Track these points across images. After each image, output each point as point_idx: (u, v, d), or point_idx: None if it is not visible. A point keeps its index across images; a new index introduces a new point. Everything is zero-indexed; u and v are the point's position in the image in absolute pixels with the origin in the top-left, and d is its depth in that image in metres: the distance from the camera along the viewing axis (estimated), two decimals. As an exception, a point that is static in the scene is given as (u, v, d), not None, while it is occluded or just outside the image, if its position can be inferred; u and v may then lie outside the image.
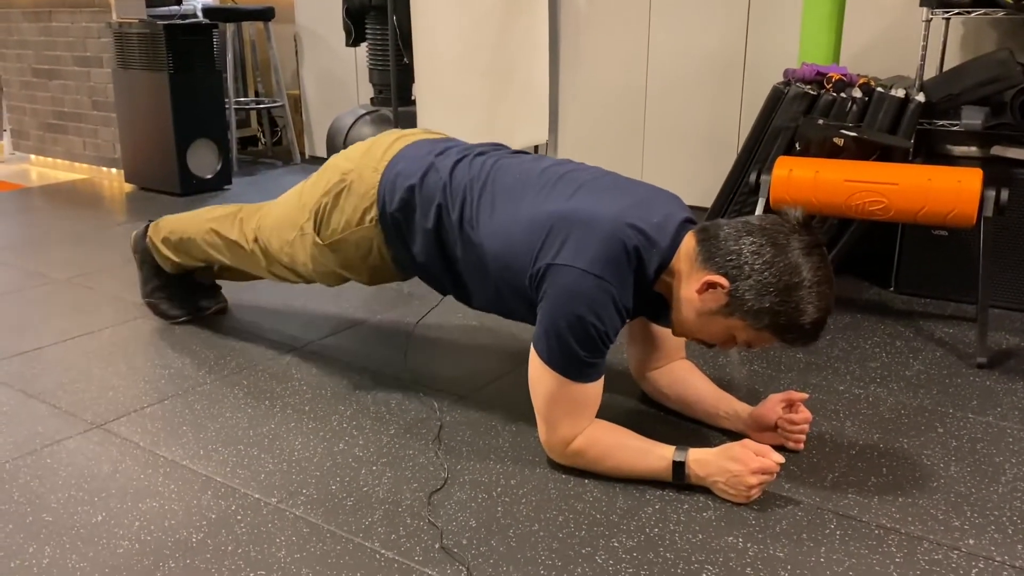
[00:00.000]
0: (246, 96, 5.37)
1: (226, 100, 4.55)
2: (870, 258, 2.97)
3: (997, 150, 2.70)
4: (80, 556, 1.45)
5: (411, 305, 2.67)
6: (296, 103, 5.09)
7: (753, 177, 2.41)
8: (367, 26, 3.83)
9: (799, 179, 2.30)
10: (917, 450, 1.80)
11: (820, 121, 2.63)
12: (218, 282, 2.56)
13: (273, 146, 5.49)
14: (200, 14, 4.56)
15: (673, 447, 1.64)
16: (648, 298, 1.69)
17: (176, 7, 4.43)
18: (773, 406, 1.77)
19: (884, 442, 1.83)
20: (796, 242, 1.54)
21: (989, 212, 2.18)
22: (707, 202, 3.21)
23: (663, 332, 1.92)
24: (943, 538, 1.50)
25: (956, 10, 2.62)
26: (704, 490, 1.63)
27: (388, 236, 1.91)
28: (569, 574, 1.40)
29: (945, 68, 2.94)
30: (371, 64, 3.83)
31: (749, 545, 1.48)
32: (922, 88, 2.68)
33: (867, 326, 2.51)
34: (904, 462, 1.75)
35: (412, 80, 3.59)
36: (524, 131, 3.84)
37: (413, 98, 3.63)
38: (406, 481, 1.68)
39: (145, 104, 4.14)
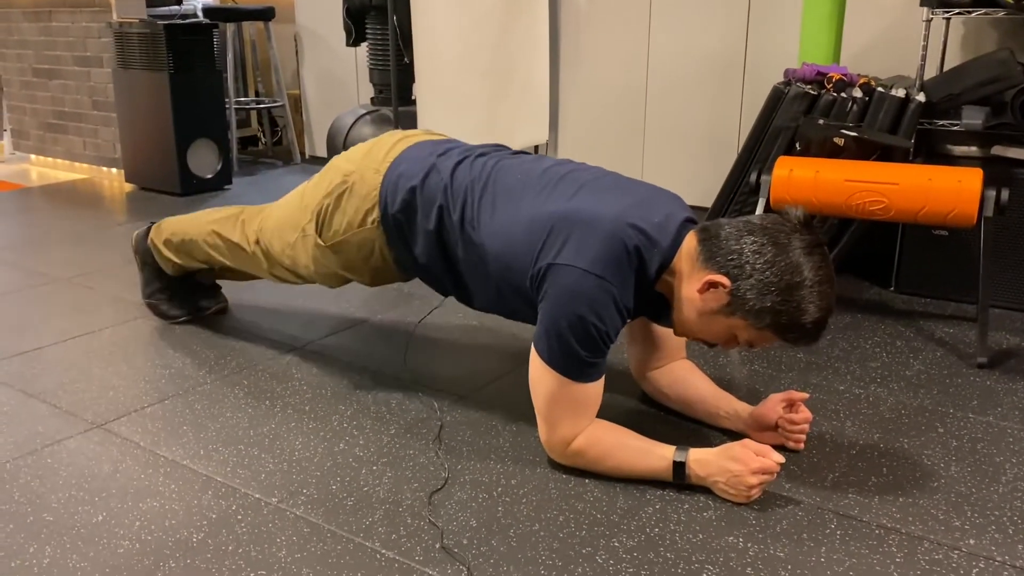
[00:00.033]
0: (246, 96, 5.37)
1: (226, 100, 4.55)
2: (870, 258, 2.97)
3: (997, 150, 2.70)
4: (81, 556, 1.45)
5: (411, 305, 2.67)
6: (296, 103, 5.09)
7: (753, 177, 2.41)
8: (367, 26, 3.83)
9: (799, 179, 2.30)
10: (917, 450, 1.80)
11: (820, 121, 2.63)
12: (218, 282, 2.56)
13: (273, 146, 5.49)
14: (200, 14, 4.56)
15: (673, 447, 1.64)
16: (649, 298, 1.69)
17: (176, 7, 4.43)
18: (773, 406, 1.78)
19: (884, 442, 1.83)
20: (797, 241, 1.54)
21: (989, 212, 2.18)
22: (707, 202, 3.21)
23: (664, 332, 1.92)
24: (944, 538, 1.50)
25: (956, 10, 2.62)
26: (705, 490, 1.63)
27: (390, 237, 1.91)
28: (570, 574, 1.40)
29: (945, 68, 2.94)
30: (371, 64, 3.83)
31: (749, 545, 1.48)
32: (922, 88, 2.68)
33: (867, 326, 2.51)
34: (904, 462, 1.75)
35: (412, 80, 3.59)
36: (524, 131, 3.84)
37: (413, 98, 3.63)
38: (407, 481, 1.68)
39: (145, 104, 4.14)
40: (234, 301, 2.65)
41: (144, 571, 1.41)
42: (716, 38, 3.56)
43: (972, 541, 1.49)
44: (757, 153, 2.83)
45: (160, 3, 4.32)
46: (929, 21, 2.67)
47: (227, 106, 4.60)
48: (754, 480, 1.56)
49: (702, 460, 1.61)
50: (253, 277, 2.38)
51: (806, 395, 1.76)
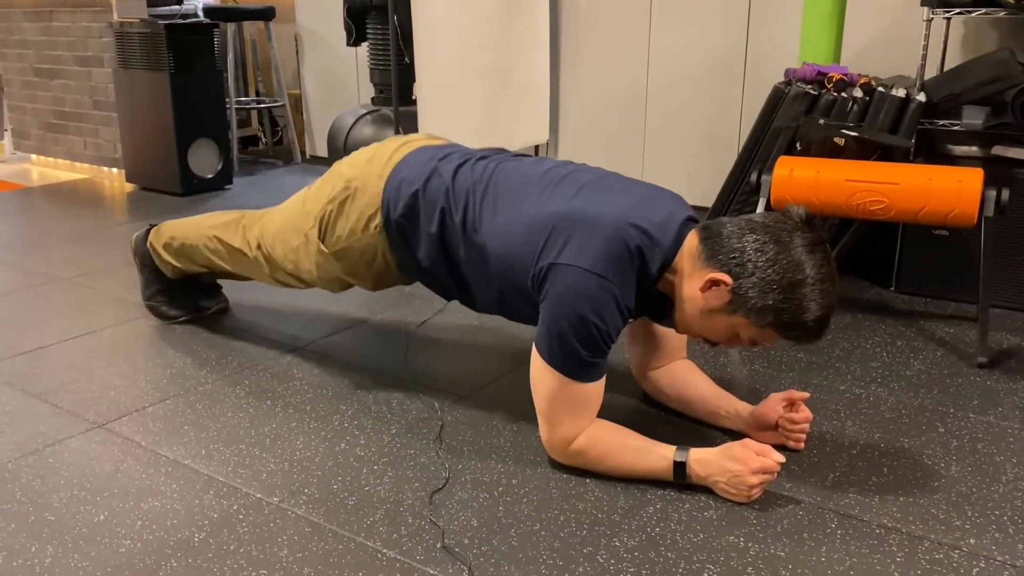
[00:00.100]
0: (247, 96, 5.37)
1: (227, 100, 4.55)
2: (871, 258, 2.97)
3: (998, 150, 2.70)
4: (82, 555, 1.45)
5: (412, 305, 2.67)
6: (297, 103, 5.09)
7: (754, 177, 2.41)
8: (368, 26, 3.83)
9: (800, 179, 2.30)
10: (918, 450, 1.80)
11: (821, 121, 2.63)
12: (219, 281, 2.56)
13: (274, 146, 5.49)
14: (201, 14, 4.56)
15: (674, 447, 1.64)
16: (651, 297, 1.69)
17: (177, 7, 4.43)
18: (774, 405, 1.78)
19: (885, 442, 1.83)
20: (799, 239, 1.54)
21: (990, 212, 2.18)
22: (708, 202, 3.21)
23: (664, 332, 1.92)
24: (944, 537, 1.50)
25: (957, 10, 2.62)
26: (705, 490, 1.63)
27: (393, 242, 1.91)
28: (571, 573, 1.40)
29: (946, 68, 2.94)
30: (372, 64, 3.83)
31: (750, 544, 1.48)
32: (923, 88, 2.68)
33: (868, 326, 2.51)
34: (905, 462, 1.75)
35: (413, 80, 3.59)
36: (525, 131, 3.84)
37: (414, 98, 3.63)
38: (407, 481, 1.68)
39: (146, 104, 4.14)
40: (235, 301, 2.66)
41: (146, 570, 1.41)
42: (717, 38, 3.56)
43: (972, 541, 1.49)
44: (757, 153, 2.83)
45: (161, 3, 4.32)
46: (930, 21, 2.67)
47: (228, 106, 4.60)
48: (755, 480, 1.56)
49: (703, 460, 1.61)
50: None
51: (806, 394, 1.77)
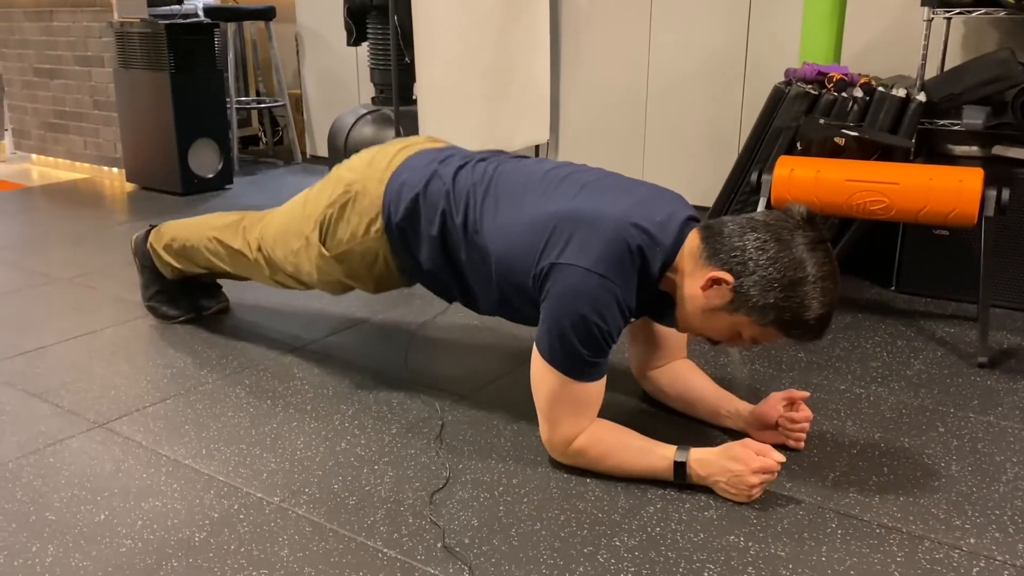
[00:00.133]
0: (247, 96, 5.37)
1: (227, 100, 4.55)
2: (871, 258, 2.97)
3: (998, 150, 2.70)
4: (83, 555, 1.45)
5: (412, 305, 2.67)
6: (297, 102, 5.09)
7: (754, 177, 2.41)
8: (368, 26, 3.83)
9: (800, 179, 2.30)
10: (918, 449, 1.80)
11: (821, 121, 2.63)
12: (219, 281, 2.56)
13: (274, 145, 5.49)
14: (201, 13, 4.56)
15: (674, 447, 1.64)
16: (652, 297, 1.69)
17: (177, 7, 4.44)
18: (774, 404, 1.78)
19: (885, 441, 1.84)
20: (800, 237, 1.54)
21: (990, 212, 2.18)
22: (708, 201, 3.21)
23: (664, 331, 1.92)
24: (944, 537, 1.50)
25: (957, 10, 2.62)
26: (706, 489, 1.63)
27: (394, 245, 1.91)
28: (571, 573, 1.41)
29: (946, 68, 2.94)
30: (372, 64, 3.83)
31: (750, 544, 1.48)
32: (923, 88, 2.68)
33: (868, 325, 2.51)
34: (905, 461, 1.75)
35: (413, 80, 3.59)
36: (525, 131, 3.84)
37: (414, 98, 3.63)
38: (408, 480, 1.68)
39: (146, 104, 4.14)
40: (235, 301, 2.66)
41: (146, 570, 1.42)
42: (717, 38, 3.56)
43: (973, 540, 1.49)
44: (758, 153, 2.83)
45: (161, 3, 4.32)
46: (930, 21, 2.67)
47: (228, 106, 4.60)
48: (755, 479, 1.56)
49: (703, 460, 1.61)
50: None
51: (807, 394, 1.77)
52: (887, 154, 2.46)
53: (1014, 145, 2.66)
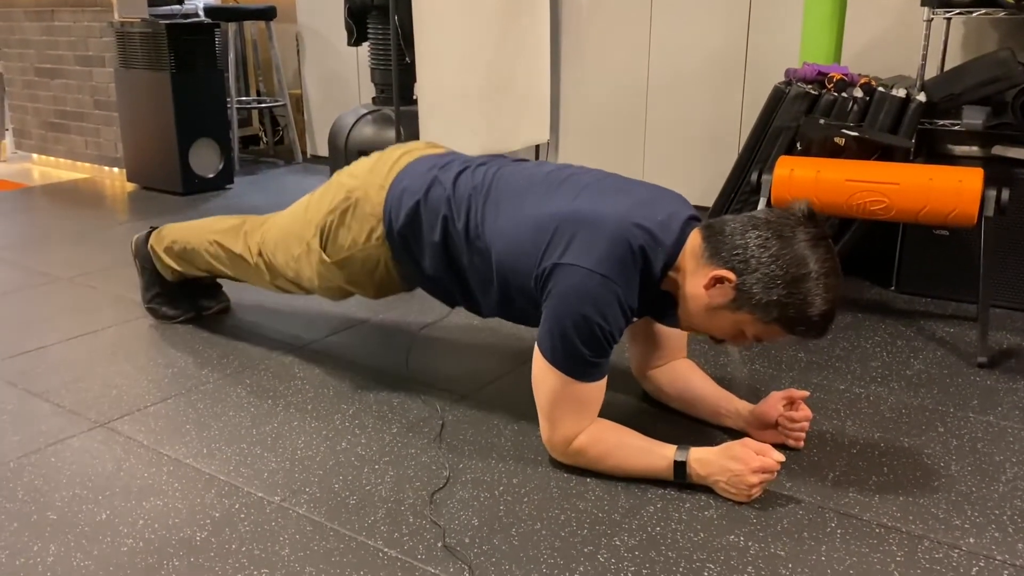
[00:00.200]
0: (248, 95, 5.37)
1: (228, 99, 4.55)
2: (871, 258, 2.97)
3: (998, 150, 2.70)
4: (84, 554, 1.46)
5: (412, 305, 2.68)
6: (298, 102, 5.09)
7: (754, 177, 2.42)
8: (369, 25, 3.83)
9: (800, 179, 2.31)
10: (918, 449, 1.80)
11: (821, 121, 2.64)
12: (219, 281, 2.57)
13: (275, 145, 5.49)
14: (202, 13, 4.57)
15: (674, 446, 1.64)
16: (654, 297, 1.69)
17: (178, 6, 4.44)
18: (774, 404, 1.78)
19: (885, 441, 1.84)
20: (802, 234, 1.54)
21: (990, 212, 2.18)
22: (708, 201, 3.21)
23: (665, 331, 1.92)
24: (944, 537, 1.50)
25: (957, 10, 2.62)
26: (706, 489, 1.63)
27: (396, 252, 1.92)
28: (571, 573, 1.41)
29: (946, 68, 2.94)
30: (373, 63, 3.83)
31: (750, 544, 1.48)
32: (923, 88, 2.68)
33: (868, 325, 2.51)
34: (905, 461, 1.76)
35: (414, 79, 3.59)
36: (525, 131, 3.84)
37: (415, 97, 3.63)
38: (408, 480, 1.68)
39: (147, 103, 4.15)
40: (236, 301, 2.66)
41: (147, 569, 1.42)
42: (717, 38, 3.57)
43: (972, 540, 1.49)
44: (758, 153, 2.83)
45: (162, 3, 4.32)
46: (930, 21, 2.67)
47: (229, 105, 4.61)
48: (755, 479, 1.56)
49: (703, 459, 1.62)
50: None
51: (806, 393, 1.77)
52: (887, 154, 2.47)
53: (1014, 145, 2.66)
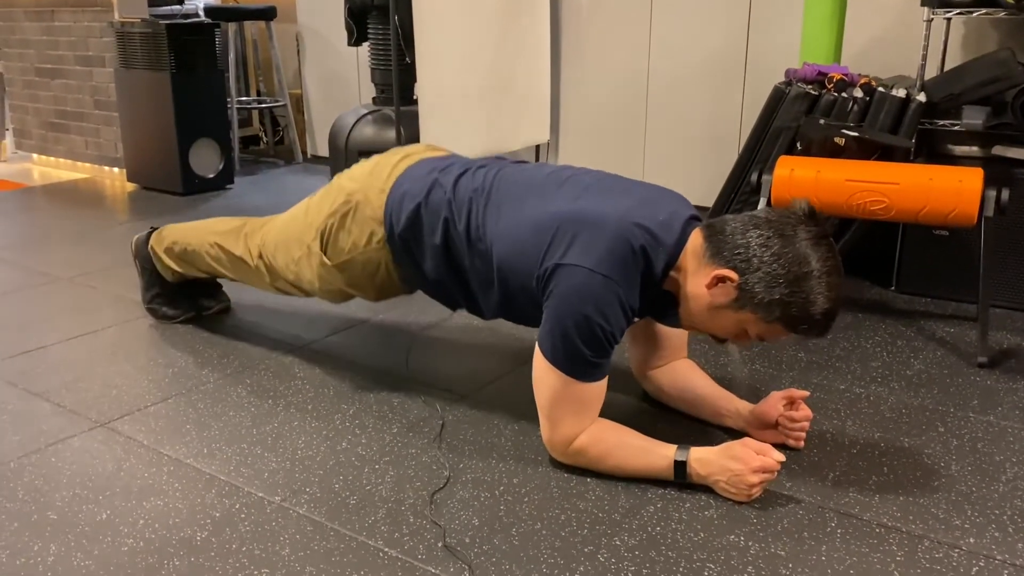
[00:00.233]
0: (248, 95, 5.37)
1: (228, 99, 4.56)
2: (871, 258, 2.98)
3: (998, 150, 2.70)
4: (85, 554, 1.46)
5: (413, 304, 2.68)
6: (298, 102, 5.09)
7: (755, 177, 2.42)
8: (369, 26, 3.83)
9: (800, 179, 2.31)
10: (918, 449, 1.80)
11: (821, 121, 2.64)
12: (219, 281, 2.57)
13: (275, 145, 5.49)
14: (202, 13, 4.57)
15: (675, 446, 1.64)
16: (655, 297, 1.69)
17: (178, 7, 4.44)
18: (774, 404, 1.78)
19: (885, 441, 1.84)
20: (803, 233, 1.54)
21: (990, 212, 2.18)
22: (708, 201, 3.21)
23: (665, 331, 1.92)
24: (944, 537, 1.50)
25: (957, 10, 2.63)
26: (706, 489, 1.64)
27: (397, 255, 1.92)
28: (572, 572, 1.41)
29: (946, 68, 2.94)
30: (373, 64, 3.83)
31: (750, 543, 1.48)
32: (923, 88, 2.68)
33: (868, 325, 2.51)
34: (905, 461, 1.76)
35: (414, 80, 3.59)
36: (525, 131, 3.84)
37: (415, 97, 3.63)
38: (409, 480, 1.68)
39: (147, 103, 4.15)
40: (236, 300, 2.66)
41: (148, 569, 1.42)
42: (718, 37, 3.57)
43: (972, 540, 1.50)
44: (758, 153, 2.83)
45: (162, 3, 4.32)
46: (930, 21, 2.68)
47: (229, 105, 4.61)
48: (755, 479, 1.56)
49: (703, 459, 1.62)
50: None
51: (806, 393, 1.77)
52: (887, 154, 2.47)
53: (1014, 145, 2.66)
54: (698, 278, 1.61)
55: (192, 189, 4.18)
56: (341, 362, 2.25)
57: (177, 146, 4.08)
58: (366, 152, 3.62)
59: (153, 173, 4.26)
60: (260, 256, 2.15)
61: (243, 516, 1.57)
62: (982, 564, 1.43)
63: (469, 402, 2.02)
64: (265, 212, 3.74)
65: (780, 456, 1.57)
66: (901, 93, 2.62)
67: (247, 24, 5.21)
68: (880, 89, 2.66)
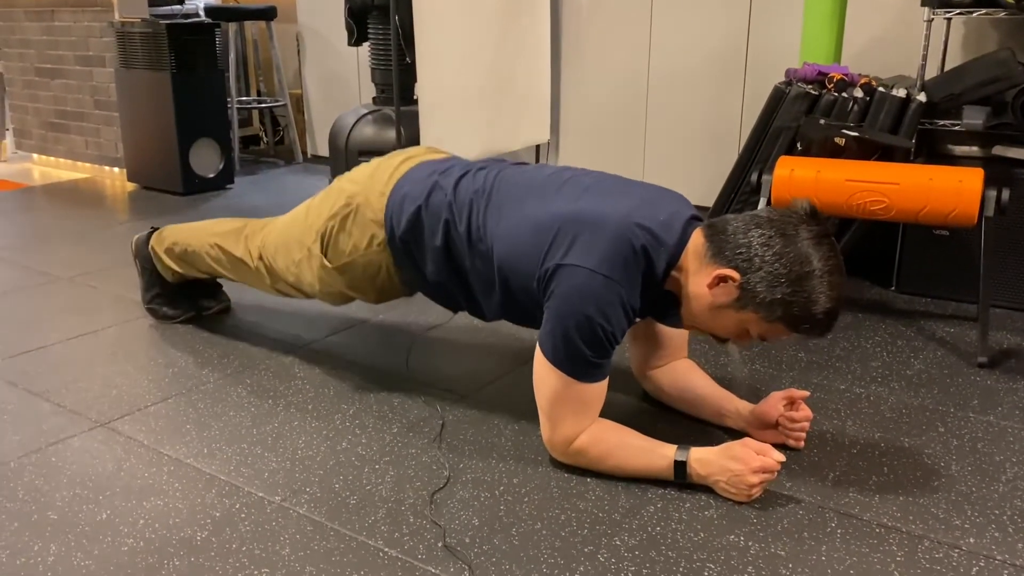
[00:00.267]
0: (248, 95, 5.37)
1: (228, 99, 4.56)
2: (871, 258, 2.98)
3: (998, 150, 2.70)
4: (85, 554, 1.46)
5: (412, 305, 2.68)
6: (298, 102, 5.09)
7: (755, 177, 2.42)
8: (369, 25, 3.83)
9: (801, 179, 2.31)
10: (918, 449, 1.80)
11: (821, 121, 2.64)
12: (220, 281, 2.57)
13: (275, 145, 5.49)
14: (202, 13, 4.57)
15: (675, 446, 1.64)
16: (656, 297, 1.69)
17: (178, 6, 4.44)
18: (774, 404, 1.78)
19: (885, 441, 1.84)
20: (805, 232, 1.54)
21: (990, 212, 2.18)
22: (708, 201, 3.21)
23: (666, 331, 1.92)
24: (944, 537, 1.50)
25: (957, 10, 2.63)
26: (706, 489, 1.64)
27: (397, 258, 1.92)
28: (572, 572, 1.41)
29: (946, 68, 2.94)
30: (373, 63, 3.83)
31: (750, 543, 1.48)
32: (923, 88, 2.68)
33: (868, 325, 2.51)
34: (905, 461, 1.76)
35: (414, 79, 3.59)
36: (525, 131, 3.84)
37: (415, 97, 3.63)
38: (409, 480, 1.69)
39: (147, 103, 4.15)
40: (236, 300, 2.66)
41: (148, 569, 1.42)
42: (718, 37, 3.57)
43: (972, 540, 1.50)
44: (758, 153, 2.83)
45: (162, 2, 4.32)
46: (930, 21, 2.68)
47: (229, 105, 4.61)
48: (755, 479, 1.56)
49: (703, 459, 1.62)
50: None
51: (807, 393, 1.77)
52: (887, 154, 2.47)
53: (1014, 145, 2.66)
54: (700, 278, 1.61)
55: (192, 189, 4.18)
56: (341, 362, 2.25)
57: (177, 146, 4.08)
58: (366, 152, 3.64)
59: (153, 173, 4.26)
60: (260, 258, 2.15)
61: (243, 516, 1.57)
62: (982, 564, 1.43)
63: (469, 402, 2.02)
64: (265, 212, 3.74)
65: (780, 456, 1.57)
66: (901, 93, 2.62)
67: (247, 24, 5.21)
68: (880, 89, 2.66)
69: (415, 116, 3.48)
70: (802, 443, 1.79)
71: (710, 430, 1.87)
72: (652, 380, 1.97)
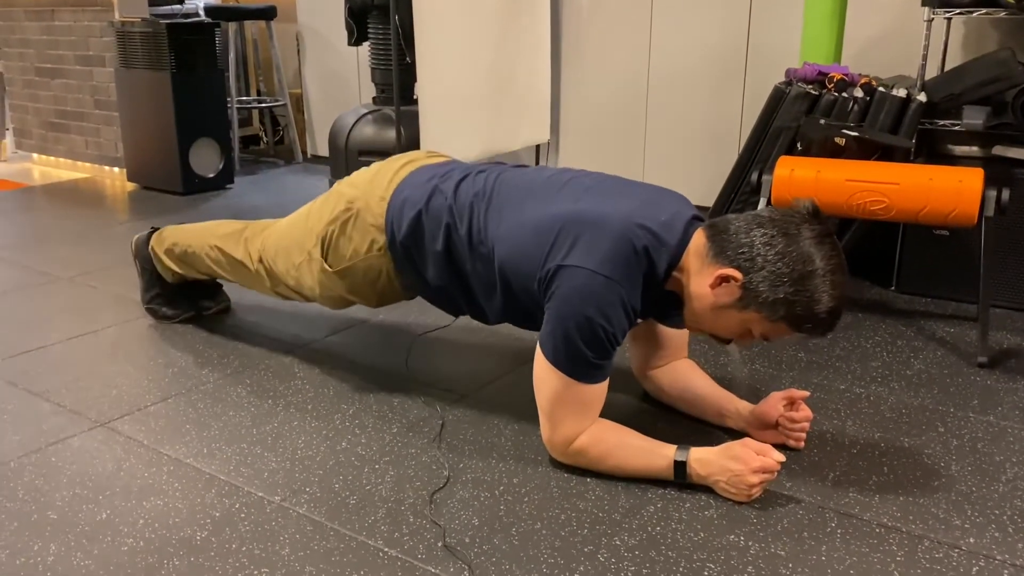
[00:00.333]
0: (248, 95, 5.37)
1: (228, 99, 4.56)
2: (871, 258, 2.98)
3: (998, 150, 2.70)
4: (85, 553, 1.46)
5: (412, 305, 2.68)
6: (298, 102, 5.09)
7: (755, 177, 2.42)
8: (369, 25, 3.83)
9: (801, 179, 2.31)
10: (918, 449, 1.80)
11: (822, 121, 2.64)
12: (220, 281, 2.57)
13: (275, 145, 5.49)
14: (202, 13, 4.57)
15: (675, 446, 1.64)
16: (658, 298, 1.69)
17: (178, 6, 4.44)
18: (774, 404, 1.78)
19: (885, 441, 1.84)
20: (807, 231, 1.54)
21: (990, 212, 2.18)
22: (708, 202, 3.21)
23: (666, 331, 1.92)
24: (944, 537, 1.50)
25: (957, 10, 2.62)
26: (706, 489, 1.64)
27: (398, 263, 1.92)
28: (571, 572, 1.41)
29: (946, 68, 2.94)
30: (373, 63, 3.83)
31: (750, 543, 1.48)
32: (923, 88, 2.68)
33: (868, 325, 2.51)
34: (905, 461, 1.76)
35: (414, 79, 3.59)
36: (526, 131, 3.84)
37: (415, 97, 3.63)
38: (409, 480, 1.69)
39: (147, 103, 4.15)
40: (236, 301, 2.66)
41: (148, 569, 1.42)
42: (718, 37, 3.57)
43: (972, 540, 1.50)
44: (758, 153, 2.83)
45: (162, 2, 4.33)
46: (930, 21, 2.67)
47: (229, 105, 4.61)
48: (755, 479, 1.56)
49: (703, 459, 1.62)
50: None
51: (807, 393, 1.77)
52: (887, 154, 2.47)
53: (1014, 145, 2.66)
54: (701, 278, 1.61)
55: (192, 189, 4.18)
56: (341, 362, 2.25)
57: (177, 146, 4.08)
58: (366, 152, 3.64)
59: (153, 173, 4.26)
60: (260, 260, 2.15)
61: (243, 516, 1.57)
62: (982, 564, 1.43)
63: (469, 402, 2.02)
64: (265, 212, 3.74)
65: (780, 456, 1.57)
66: (901, 93, 2.62)
67: (247, 24, 5.21)
68: (880, 89, 2.66)
69: (415, 116, 3.48)
70: (802, 443, 1.79)
71: (710, 430, 1.87)
72: (652, 380, 1.96)
